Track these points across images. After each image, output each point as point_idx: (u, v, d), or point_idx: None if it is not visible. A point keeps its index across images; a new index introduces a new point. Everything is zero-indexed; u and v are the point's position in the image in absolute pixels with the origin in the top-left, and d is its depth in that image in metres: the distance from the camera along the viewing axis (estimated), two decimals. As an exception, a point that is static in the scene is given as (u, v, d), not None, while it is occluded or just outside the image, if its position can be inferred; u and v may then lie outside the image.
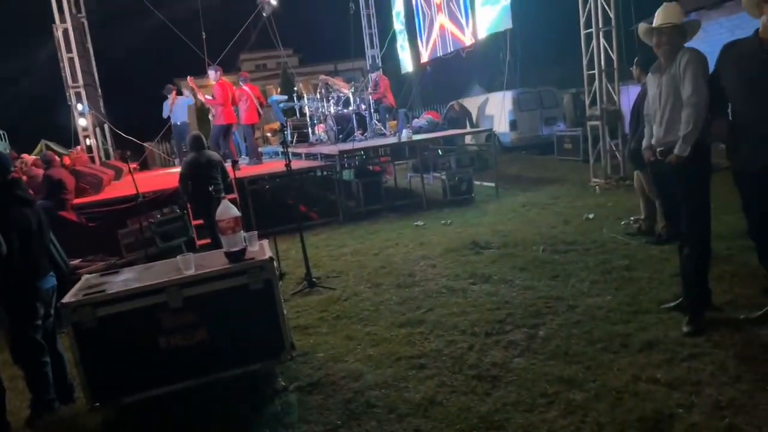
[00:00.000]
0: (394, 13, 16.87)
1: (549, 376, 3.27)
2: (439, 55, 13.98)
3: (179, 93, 13.14)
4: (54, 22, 13.38)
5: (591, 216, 7.14)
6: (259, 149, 13.13)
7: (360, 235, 8.05)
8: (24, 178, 6.93)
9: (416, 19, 15.31)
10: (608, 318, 3.99)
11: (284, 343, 3.66)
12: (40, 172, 8.41)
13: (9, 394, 3.58)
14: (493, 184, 10.03)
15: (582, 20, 9.59)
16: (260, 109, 11.68)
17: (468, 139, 15.27)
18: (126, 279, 3.72)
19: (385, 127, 12.24)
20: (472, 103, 16.35)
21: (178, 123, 12.39)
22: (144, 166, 16.81)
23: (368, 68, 16.67)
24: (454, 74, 17.75)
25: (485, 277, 5.25)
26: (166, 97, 12.47)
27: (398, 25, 16.81)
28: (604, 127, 9.62)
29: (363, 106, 12.02)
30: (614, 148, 9.61)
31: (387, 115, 12.60)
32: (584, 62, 9.73)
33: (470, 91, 21.68)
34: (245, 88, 11.24)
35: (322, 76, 13.19)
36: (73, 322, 3.32)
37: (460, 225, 7.79)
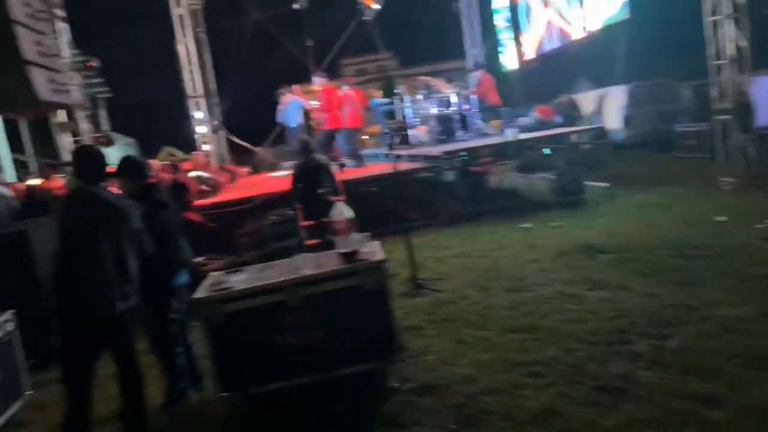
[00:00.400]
0: (496, 10, 16.59)
1: (682, 392, 3.05)
2: (546, 50, 13.55)
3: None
4: (176, 37, 14.45)
5: (722, 218, 6.59)
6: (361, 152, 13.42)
7: (464, 237, 7.97)
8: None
9: (520, 16, 14.95)
10: (748, 331, 3.65)
11: (396, 345, 3.69)
12: (168, 176, 9.09)
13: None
14: (605, 184, 9.54)
15: (707, 7, 8.89)
16: (363, 113, 11.93)
17: (576, 137, 14.66)
18: (249, 277, 3.92)
19: (488, 127, 12.05)
20: (580, 100, 15.67)
21: (293, 126, 12.59)
22: (255, 170, 17.67)
23: (470, 67, 16.49)
24: (559, 70, 17.12)
25: (602, 283, 5.00)
26: (278, 103, 12.85)
27: (501, 22, 16.50)
28: (734, 121, 8.85)
29: (465, 106, 11.90)
30: (746, 144, 8.81)
31: (490, 114, 12.39)
32: (710, 52, 9.00)
33: (577, 86, 20.81)
34: (350, 92, 11.50)
35: (423, 77, 13.25)
36: (204, 316, 3.55)
37: (571, 227, 7.49)
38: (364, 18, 14.33)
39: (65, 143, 7.62)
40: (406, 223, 6.27)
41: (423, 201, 9.65)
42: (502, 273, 5.83)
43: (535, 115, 13.07)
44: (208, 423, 3.71)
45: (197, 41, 15.17)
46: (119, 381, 3.62)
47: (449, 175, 10.25)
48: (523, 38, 14.99)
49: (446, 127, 11.52)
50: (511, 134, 9.98)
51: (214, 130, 16.08)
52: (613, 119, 13.78)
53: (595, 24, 10.71)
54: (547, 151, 11.21)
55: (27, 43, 5.20)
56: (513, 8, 15.50)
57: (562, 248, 6.37)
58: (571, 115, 14.27)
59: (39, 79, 5.29)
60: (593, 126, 13.23)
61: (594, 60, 15.81)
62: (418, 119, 13.02)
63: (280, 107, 12.54)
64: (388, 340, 3.66)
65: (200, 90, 14.76)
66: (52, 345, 5.06)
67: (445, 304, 5.14)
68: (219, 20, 17.16)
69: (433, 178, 9.86)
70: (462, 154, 10.67)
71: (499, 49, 17.04)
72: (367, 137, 20.88)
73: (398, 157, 6.48)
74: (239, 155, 18.80)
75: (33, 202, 7.36)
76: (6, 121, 19.99)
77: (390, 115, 15.20)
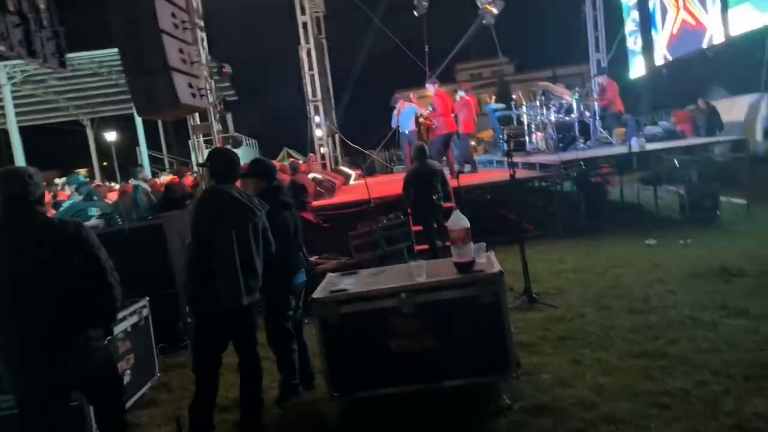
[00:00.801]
0: (625, 13, 15.70)
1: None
2: (677, 55, 12.63)
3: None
4: (299, 43, 15.10)
5: None
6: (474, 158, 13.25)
7: (581, 250, 7.60)
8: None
9: (652, 20, 14.04)
10: None
11: (510, 360, 3.57)
12: (287, 177, 9.51)
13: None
14: (743, 201, 8.69)
15: None
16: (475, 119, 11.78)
17: (711, 149, 13.48)
18: (363, 280, 3.97)
19: (611, 135, 11.42)
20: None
21: (406, 132, 12.56)
22: (368, 173, 18.04)
23: (594, 73, 15.73)
24: (691, 76, 15.88)
25: (740, 310, 4.53)
26: (393, 108, 12.91)
27: (630, 25, 15.60)
28: None
29: (587, 113, 11.38)
30: None
31: (614, 122, 11.75)
32: None
33: (710, 94, 19.18)
34: (466, 97, 11.40)
35: (542, 83, 12.83)
36: (320, 316, 3.64)
37: (703, 247, 6.89)
38: (483, 22, 14.14)
39: (198, 144, 8.21)
40: (519, 233, 6.06)
41: (538, 211, 9.35)
42: (624, 292, 5.47)
43: (672, 121, 12.14)
44: (317, 421, 3.80)
45: (318, 47, 15.78)
46: (240, 372, 3.83)
47: (567, 185, 9.83)
48: (652, 43, 14.05)
49: (565, 135, 11.07)
50: (636, 144, 9.38)
51: (330, 134, 16.64)
52: (754, 130, 12.52)
53: (740, 28, 9.80)
54: (677, 162, 10.43)
55: (172, 51, 5.64)
56: (642, 12, 14.57)
57: (693, 269, 5.87)
58: (710, 123, 13.13)
59: (180, 84, 5.72)
60: (732, 137, 12.11)
61: (732, 66, 14.49)
62: (535, 126, 12.64)
63: (395, 112, 12.61)
64: (502, 355, 3.55)
65: (319, 94, 15.32)
66: (181, 332, 5.50)
67: (560, 321, 4.91)
68: (340, 27, 17.78)
69: (550, 187, 9.51)
70: (582, 163, 10.21)
71: (626, 53, 16.09)
72: (477, 143, 20.65)
73: (513, 164, 6.29)
74: (353, 158, 19.33)
75: (168, 198, 8.02)
76: (144, 122, 22.01)
77: (505, 120, 14.89)
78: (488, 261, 3.90)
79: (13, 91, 17.63)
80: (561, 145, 11.01)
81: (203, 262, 3.49)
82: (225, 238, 3.46)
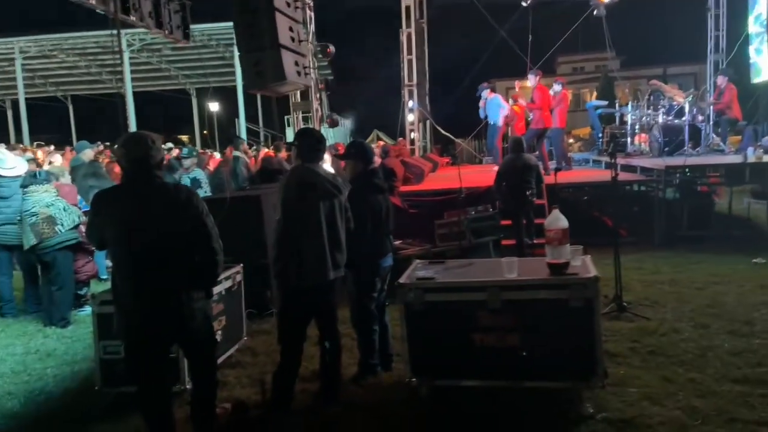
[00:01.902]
0: (752, 14, 14.48)
1: None
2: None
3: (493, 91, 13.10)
4: (401, 27, 15.12)
5: None
6: (570, 155, 12.78)
7: (679, 263, 7.18)
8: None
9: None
10: None
11: (597, 369, 3.45)
12: (378, 160, 9.60)
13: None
14: None
15: None
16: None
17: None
18: (452, 271, 3.97)
19: (724, 143, 10.64)
20: None
21: (494, 123, 12.38)
22: (455, 161, 17.89)
23: (710, 74, 14.68)
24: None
25: None
26: (479, 98, 12.55)
27: (756, 27, 14.38)
28: None
29: (699, 118, 10.65)
30: None
31: (729, 129, 10.93)
32: None
33: None
34: (563, 91, 10.98)
35: (653, 81, 12.13)
36: (406, 302, 3.68)
37: (820, 272, 6.32)
38: (594, 13, 13.50)
39: (297, 121, 8.48)
40: (614, 238, 5.80)
41: (634, 216, 8.91)
42: (724, 312, 5.13)
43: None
44: (393, 402, 3.84)
45: (418, 32, 15.73)
46: (320, 346, 3.95)
47: (669, 192, 9.29)
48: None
49: (672, 139, 10.42)
50: (751, 154, 8.69)
51: (422, 120, 16.61)
52: None
53: None
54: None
55: (283, 29, 5.84)
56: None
57: (807, 295, 5.41)
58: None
59: (288, 61, 5.91)
60: None
61: None
62: (640, 127, 12.00)
63: (481, 103, 12.24)
64: (590, 362, 3.43)
65: (415, 79, 15.31)
66: (268, 300, 5.72)
67: (652, 334, 4.68)
68: (443, 12, 17.60)
69: (650, 193, 9.02)
70: (687, 170, 9.61)
71: (748, 56, 14.87)
72: (574, 140, 19.90)
73: (612, 165, 6.00)
74: (442, 145, 19.23)
75: (265, 170, 8.34)
76: (245, 96, 22.89)
77: (607, 119, 14.24)
78: (583, 264, 3.78)
79: (130, 58, 18.92)
80: (667, 149, 10.39)
81: (291, 237, 3.61)
82: (312, 214, 3.57)
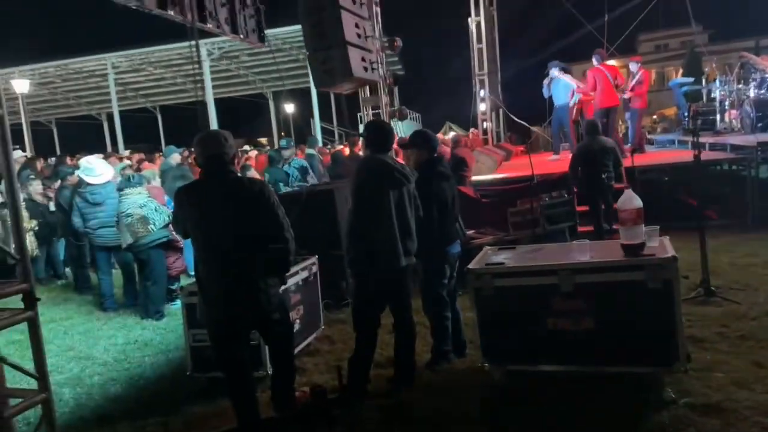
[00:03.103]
0: None
1: None
2: None
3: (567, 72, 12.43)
4: (470, 15, 14.95)
5: None
6: (652, 137, 12.17)
7: (776, 245, 6.71)
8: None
9: None
10: None
11: (679, 352, 3.33)
12: (448, 150, 9.60)
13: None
14: None
15: None
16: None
17: None
18: (521, 256, 3.94)
19: (826, 116, 9.79)
20: None
21: (557, 105, 11.52)
22: (530, 150, 17.46)
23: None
24: None
25: None
26: (551, 78, 11.96)
27: None
28: None
29: (797, 89, 9.85)
30: None
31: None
32: None
33: None
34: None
35: (743, 54, 11.32)
36: (476, 287, 3.69)
37: None
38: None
39: (367, 116, 8.61)
40: (700, 221, 5.51)
41: (726, 197, 8.38)
42: (825, 294, 4.76)
43: None
44: (467, 388, 3.86)
45: (488, 20, 15.49)
46: (395, 333, 4.04)
47: (764, 170, 8.67)
48: None
49: (766, 113, 9.71)
50: None
51: (494, 108, 16.35)
52: None
53: None
54: None
55: (349, 26, 5.98)
56: None
57: None
58: None
59: (355, 58, 6.04)
60: None
61: None
62: (730, 103, 11.25)
63: (546, 81, 11.63)
64: (670, 345, 3.32)
65: (486, 68, 15.09)
66: (344, 291, 5.89)
67: (742, 319, 4.43)
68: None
69: (742, 171, 8.45)
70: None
71: None
72: (658, 120, 18.90)
73: (698, 144, 5.68)
74: (517, 134, 18.83)
75: (338, 165, 8.56)
76: (318, 96, 23.43)
77: (693, 96, 13.44)
78: (661, 245, 3.64)
79: (210, 66, 19.86)
80: (760, 124, 9.69)
81: (363, 226, 3.71)
82: (383, 203, 3.66)
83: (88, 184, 6.72)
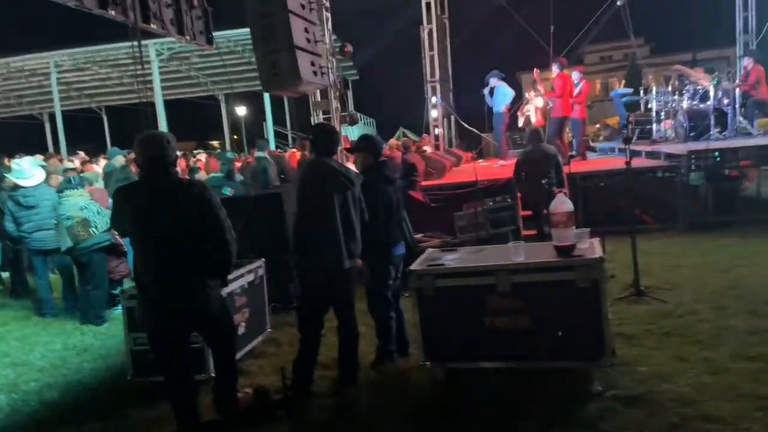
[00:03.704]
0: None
1: None
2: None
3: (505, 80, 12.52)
4: (421, 23, 15.18)
5: None
6: (595, 145, 12.64)
7: (704, 247, 7.11)
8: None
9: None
10: None
11: (605, 347, 3.51)
12: (399, 154, 9.73)
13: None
14: None
15: None
16: None
17: None
18: (462, 257, 4.07)
19: (752, 126, 10.41)
20: None
21: (499, 111, 11.56)
22: (480, 155, 17.84)
23: (739, 56, 14.34)
24: None
25: None
26: (487, 84, 11.76)
27: (786, 3, 13.98)
28: None
29: (725, 101, 10.44)
30: None
31: (756, 111, 10.67)
32: None
33: None
34: (586, 83, 10.78)
35: (677, 66, 11.92)
36: (417, 287, 3.80)
37: None
38: (618, 2, 13.34)
39: (317, 120, 8.63)
40: (635, 225, 5.80)
41: (659, 203, 8.81)
42: (745, 293, 5.09)
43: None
44: (409, 386, 3.96)
45: (440, 27, 15.75)
46: (339, 334, 4.10)
47: (695, 177, 9.15)
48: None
49: (698, 123, 10.25)
50: (781, 135, 8.50)
51: (446, 115, 16.62)
52: None
53: None
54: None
55: (298, 31, 6.01)
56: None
57: (832, 276, 5.32)
58: None
59: (303, 62, 6.08)
60: None
61: None
62: (665, 113, 11.83)
63: (487, 90, 11.63)
64: (598, 341, 3.49)
65: (437, 75, 15.34)
66: (291, 294, 5.90)
67: (668, 317, 4.69)
68: (464, 6, 17.57)
69: (675, 178, 8.90)
70: (715, 154, 9.43)
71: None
72: (602, 129, 19.62)
73: (631, 152, 5.98)
74: (466, 140, 19.19)
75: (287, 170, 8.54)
76: (271, 99, 23.27)
77: (632, 106, 14.06)
78: (591, 247, 3.83)
79: (159, 67, 19.44)
80: (692, 134, 10.23)
81: (308, 228, 3.77)
82: (328, 206, 3.72)
83: (20, 187, 6.52)
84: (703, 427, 2.99)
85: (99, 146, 24.38)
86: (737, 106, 10.62)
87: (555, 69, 10.57)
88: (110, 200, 6.78)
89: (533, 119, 12.53)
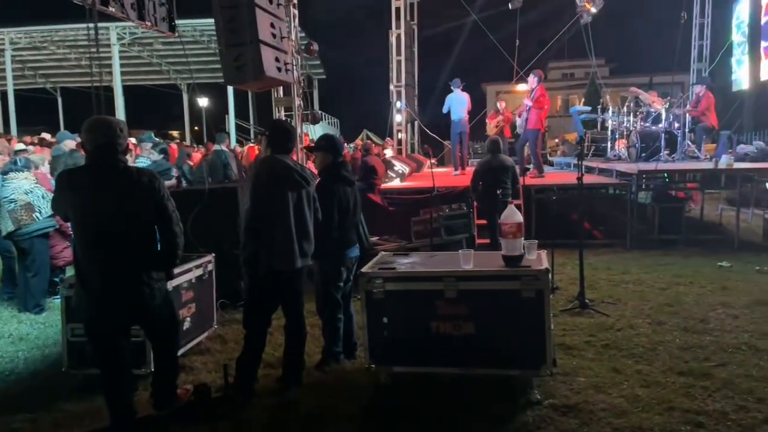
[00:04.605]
0: (734, 23, 14.77)
1: None
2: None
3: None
4: (390, 28, 15.25)
5: None
6: (552, 159, 12.92)
7: (647, 264, 7.37)
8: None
9: (764, 31, 13.14)
10: None
11: (546, 357, 3.59)
12: (360, 157, 9.75)
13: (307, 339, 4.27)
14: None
15: None
16: None
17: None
18: (413, 262, 4.10)
19: (699, 150, 10.86)
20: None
21: (454, 119, 11.56)
22: (441, 163, 18.03)
23: (692, 82, 14.94)
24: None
25: (806, 344, 4.31)
26: (452, 91, 11.72)
27: (738, 36, 14.68)
28: None
29: (676, 125, 10.87)
30: None
31: (704, 137, 11.14)
32: None
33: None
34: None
35: (633, 89, 12.31)
36: (366, 290, 3.80)
37: (781, 276, 6.51)
38: (581, 21, 13.70)
39: (279, 116, 8.55)
40: (585, 239, 5.96)
41: (609, 219, 9.10)
42: (682, 310, 5.30)
43: (759, 144, 11.39)
44: (352, 388, 3.95)
45: (408, 33, 15.85)
46: (286, 333, 4.07)
47: (643, 197, 9.49)
48: (760, 56, 13.14)
49: (649, 145, 10.64)
50: (723, 161, 8.90)
51: (410, 121, 16.73)
52: None
53: None
54: (768, 186, 9.80)
55: (263, 25, 5.95)
56: (754, 22, 13.65)
57: (763, 297, 5.58)
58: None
59: (268, 57, 6.02)
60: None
61: None
62: (620, 133, 12.22)
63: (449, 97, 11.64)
64: (539, 351, 3.57)
65: (404, 80, 15.43)
66: (241, 291, 5.82)
67: (608, 330, 4.84)
68: (433, 14, 17.74)
69: (624, 196, 9.20)
70: (663, 175, 9.80)
71: (731, 66, 15.16)
72: (558, 142, 20.13)
73: (588, 169, 6.17)
74: (429, 147, 19.36)
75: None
76: (235, 92, 22.92)
77: (589, 124, 14.45)
78: (538, 258, 3.91)
79: (120, 51, 18.92)
80: (643, 154, 10.59)
81: (260, 226, 3.73)
82: (281, 203, 3.69)
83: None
84: (633, 438, 3.10)
85: (51, 129, 23.53)
86: (686, 130, 11.07)
87: (534, 81, 10.55)
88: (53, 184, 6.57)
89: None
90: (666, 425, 3.20)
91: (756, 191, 9.68)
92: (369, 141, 14.05)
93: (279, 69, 6.64)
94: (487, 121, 14.76)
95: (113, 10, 4.78)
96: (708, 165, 9.25)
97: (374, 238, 7.22)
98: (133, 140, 11.22)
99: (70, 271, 6.54)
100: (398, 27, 15.41)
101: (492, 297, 3.66)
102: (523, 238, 3.79)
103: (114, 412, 3.21)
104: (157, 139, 9.46)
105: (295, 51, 7.93)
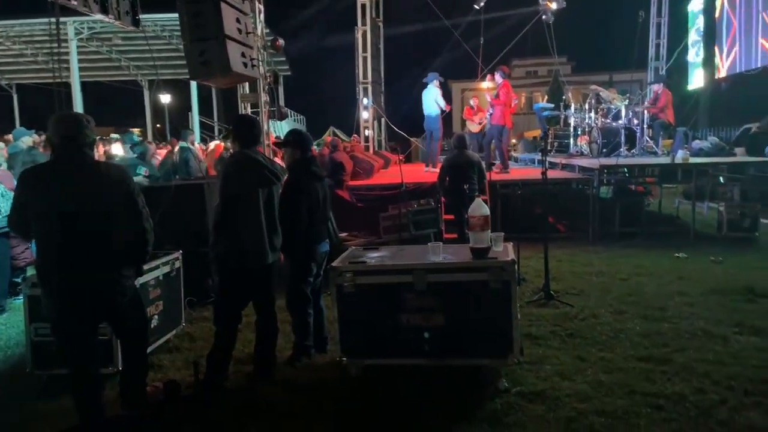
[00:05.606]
0: (691, 23, 15.26)
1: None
2: (739, 70, 12.25)
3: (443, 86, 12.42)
4: (356, 24, 15.25)
5: None
6: (516, 155, 13.13)
7: (609, 256, 7.59)
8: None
9: (717, 31, 13.61)
10: None
11: (513, 346, 3.69)
12: (327, 154, 9.74)
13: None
14: (786, 225, 8.48)
15: None
16: None
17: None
18: (383, 256, 4.15)
19: (657, 146, 11.22)
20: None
21: (432, 115, 11.31)
22: (408, 159, 18.12)
23: (650, 80, 15.38)
24: (754, 93, 15.38)
25: (756, 329, 4.52)
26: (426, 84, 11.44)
27: (694, 35, 15.17)
28: None
29: (635, 121, 11.19)
30: None
31: (662, 133, 11.51)
32: None
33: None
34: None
35: (594, 86, 12.62)
36: (337, 284, 3.83)
37: (734, 266, 6.79)
38: (543, 18, 13.95)
39: (245, 112, 8.48)
40: (549, 233, 6.11)
41: (571, 213, 9.33)
42: (642, 299, 5.49)
43: (713, 139, 11.82)
44: (324, 382, 3.98)
45: (374, 30, 15.89)
46: (256, 329, 4.07)
47: (604, 191, 9.76)
48: (714, 55, 13.62)
49: (610, 141, 10.94)
50: (679, 156, 9.23)
51: (376, 117, 16.78)
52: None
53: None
54: (721, 179, 10.20)
55: (229, 20, 5.89)
56: (709, 22, 14.15)
57: (717, 285, 5.83)
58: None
59: (234, 53, 5.96)
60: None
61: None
62: (582, 129, 12.51)
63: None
64: (506, 340, 3.66)
65: (370, 77, 15.46)
66: (209, 288, 5.78)
67: (572, 319, 4.99)
68: (397, 11, 17.80)
69: (586, 191, 9.44)
70: (623, 170, 10.09)
71: (687, 64, 15.68)
72: (514, 141, 20.46)
73: (552, 164, 6.33)
74: (396, 143, 19.44)
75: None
76: (199, 89, 22.55)
77: (552, 121, 14.75)
78: (504, 250, 4.01)
79: (78, 47, 18.39)
80: (604, 150, 10.88)
81: (230, 221, 3.72)
82: (251, 199, 3.69)
83: None
84: (597, 421, 3.21)
85: (7, 126, 22.74)
86: (645, 126, 11.41)
87: (498, 78, 10.65)
88: (15, 183, 6.39)
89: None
90: (628, 408, 3.33)
91: (710, 185, 10.07)
92: (336, 137, 14.02)
93: (245, 64, 6.58)
94: (465, 118, 14.93)
95: (75, 3, 4.66)
96: (665, 160, 9.56)
97: (343, 234, 7.24)
98: (116, 136, 10.96)
99: (30, 271, 6.37)
100: (364, 24, 15.42)
101: (460, 288, 3.73)
102: (490, 231, 3.88)
103: (83, 412, 3.16)
104: (138, 139, 9.23)
105: (260, 47, 7.88)
